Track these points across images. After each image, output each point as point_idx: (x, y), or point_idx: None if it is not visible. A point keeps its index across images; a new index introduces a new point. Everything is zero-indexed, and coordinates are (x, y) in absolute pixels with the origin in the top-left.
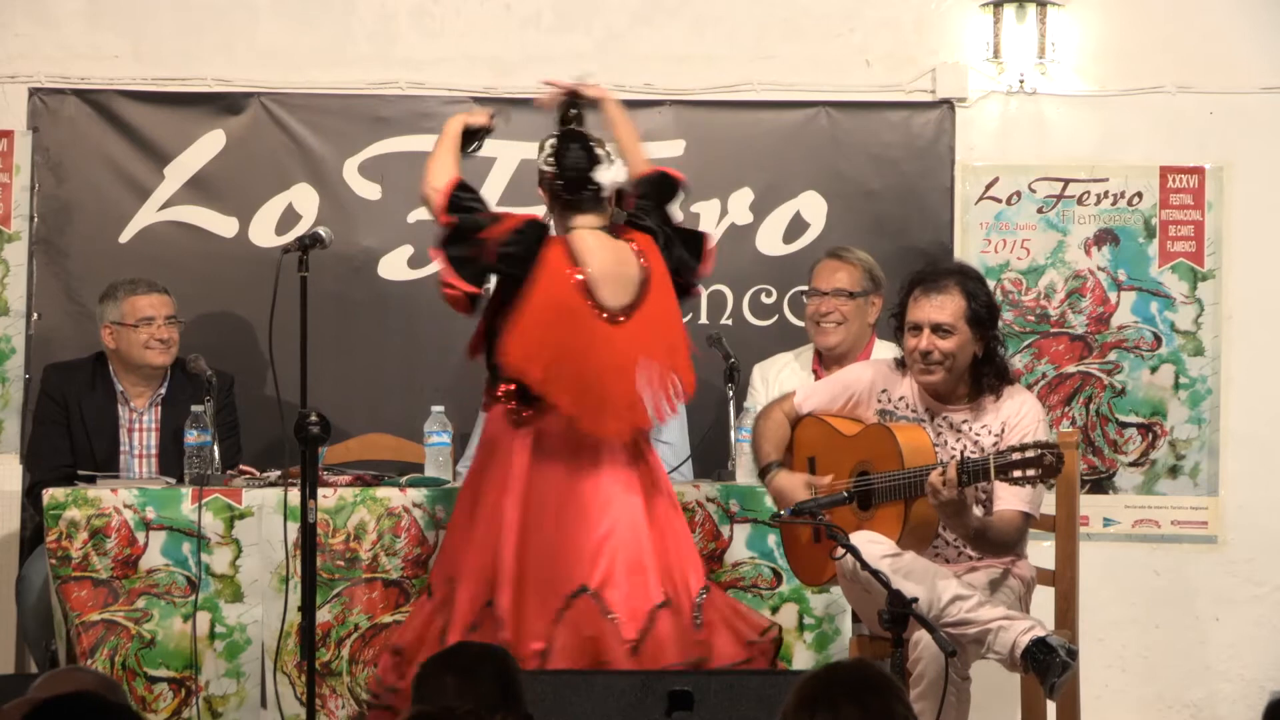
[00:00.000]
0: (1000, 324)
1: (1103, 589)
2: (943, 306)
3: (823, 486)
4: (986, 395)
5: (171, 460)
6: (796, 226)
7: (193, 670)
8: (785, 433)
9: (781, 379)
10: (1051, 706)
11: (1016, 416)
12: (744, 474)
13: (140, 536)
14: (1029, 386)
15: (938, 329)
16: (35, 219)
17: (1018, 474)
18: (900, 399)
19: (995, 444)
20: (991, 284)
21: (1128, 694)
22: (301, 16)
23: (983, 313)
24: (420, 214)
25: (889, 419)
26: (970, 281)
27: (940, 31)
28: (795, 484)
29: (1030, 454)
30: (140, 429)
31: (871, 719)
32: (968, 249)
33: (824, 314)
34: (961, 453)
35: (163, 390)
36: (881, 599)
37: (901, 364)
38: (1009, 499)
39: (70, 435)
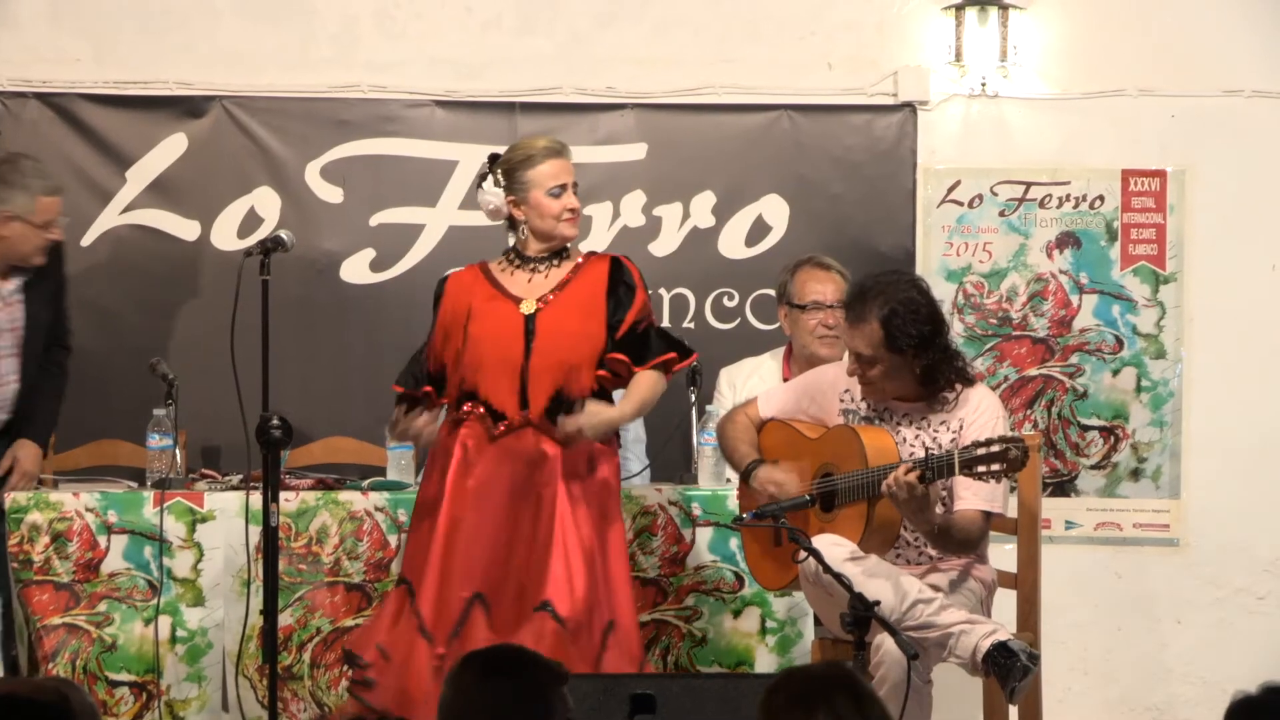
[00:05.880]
0: (942, 335)
1: (1065, 592)
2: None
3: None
4: (944, 394)
5: (34, 335)
6: (759, 230)
7: (154, 674)
8: (754, 435)
9: (750, 384)
10: (1013, 710)
11: (975, 414)
12: (706, 477)
13: (102, 540)
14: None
15: (860, 358)
16: None
17: (982, 469)
18: (862, 398)
19: (953, 441)
20: (953, 287)
21: (1089, 697)
22: (263, 19)
23: (905, 341)
24: (381, 217)
25: (851, 419)
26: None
27: (902, 35)
28: (788, 476)
29: (995, 448)
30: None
31: None
32: (929, 252)
33: (830, 326)
34: (925, 449)
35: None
36: (843, 602)
37: None
38: (969, 498)
39: None
